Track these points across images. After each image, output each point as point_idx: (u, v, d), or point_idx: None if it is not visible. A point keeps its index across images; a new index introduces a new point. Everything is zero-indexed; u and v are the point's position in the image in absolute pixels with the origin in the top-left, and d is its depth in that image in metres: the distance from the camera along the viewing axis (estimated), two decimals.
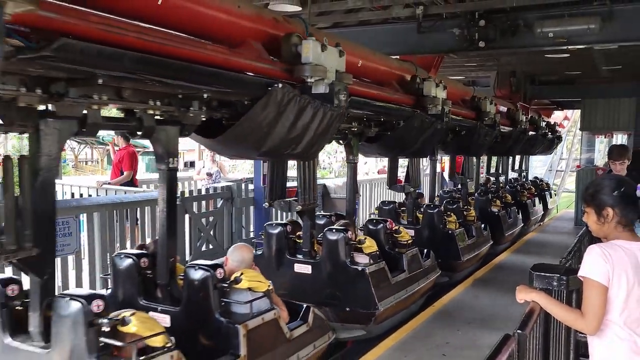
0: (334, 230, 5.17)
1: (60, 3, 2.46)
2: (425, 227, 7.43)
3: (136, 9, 2.98)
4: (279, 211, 9.15)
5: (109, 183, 8.28)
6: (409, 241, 6.02)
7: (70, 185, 8.59)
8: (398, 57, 7.08)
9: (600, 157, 16.66)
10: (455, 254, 7.25)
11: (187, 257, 7.53)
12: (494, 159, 12.22)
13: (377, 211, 7.71)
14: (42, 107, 2.70)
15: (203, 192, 8.16)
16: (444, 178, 13.55)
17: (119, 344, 2.67)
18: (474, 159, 9.72)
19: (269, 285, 3.66)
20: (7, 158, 2.60)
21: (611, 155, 5.90)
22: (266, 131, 3.85)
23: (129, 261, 3.70)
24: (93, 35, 2.57)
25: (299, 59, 3.96)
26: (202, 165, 11.51)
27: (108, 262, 6.33)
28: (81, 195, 8.18)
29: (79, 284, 6.06)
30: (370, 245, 5.27)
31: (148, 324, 2.81)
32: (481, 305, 6.29)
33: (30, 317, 2.90)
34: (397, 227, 6.13)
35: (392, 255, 5.76)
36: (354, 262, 5.13)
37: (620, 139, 14.59)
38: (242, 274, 3.57)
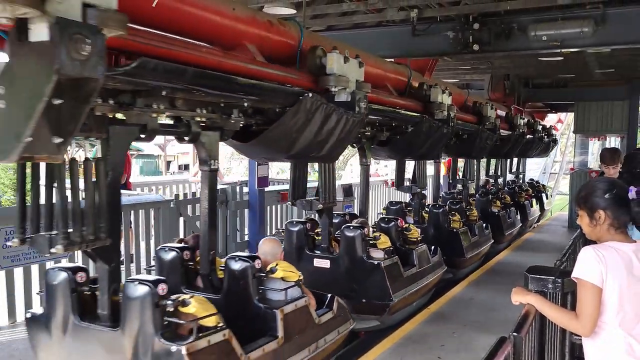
0: (351, 228, 5.53)
1: (139, 27, 2.86)
2: (431, 225, 7.76)
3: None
4: (273, 214, 9.21)
5: None
6: (418, 238, 6.34)
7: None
8: (392, 60, 7.10)
9: (593, 160, 16.74)
10: (460, 251, 7.60)
11: None
12: (492, 161, 12.50)
13: (384, 211, 7.95)
14: (110, 116, 3.11)
15: (198, 195, 8.13)
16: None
17: (181, 322, 3.04)
18: (474, 162, 10.12)
19: (299, 276, 4.02)
20: (87, 160, 3.01)
21: (604, 160, 5.93)
22: (295, 136, 4.26)
23: (173, 254, 4.07)
24: (161, 53, 2.96)
25: (323, 70, 4.37)
26: (198, 168, 11.47)
27: None
28: None
29: None
30: (384, 241, 5.63)
31: (204, 306, 3.15)
32: (476, 307, 6.30)
33: (99, 301, 3.28)
34: (407, 225, 6.49)
35: (403, 251, 6.08)
36: (369, 257, 5.47)
37: (613, 141, 14.67)
38: (277, 264, 3.96)
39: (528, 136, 12.33)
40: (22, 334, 5.23)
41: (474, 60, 10.98)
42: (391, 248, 5.69)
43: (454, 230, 7.75)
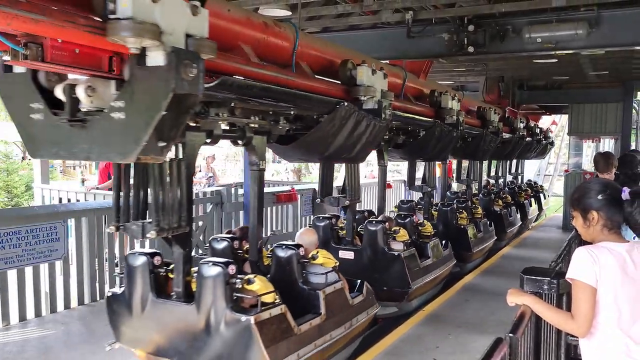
0: (373, 222, 6.09)
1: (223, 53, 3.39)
2: (440, 222, 8.22)
3: None
4: (269, 216, 9.18)
5: (97, 188, 8.20)
6: (432, 233, 6.96)
7: (58, 190, 8.50)
8: (387, 61, 7.10)
9: (588, 162, 16.81)
10: (467, 246, 8.13)
11: None
12: (492, 162, 12.93)
13: (396, 209, 8.39)
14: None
15: (193, 197, 8.11)
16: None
17: (247, 297, 3.60)
18: (477, 163, 10.62)
19: (335, 262, 4.57)
20: (172, 160, 3.43)
21: (597, 166, 5.96)
22: (330, 140, 4.85)
23: (224, 243, 4.63)
24: (233, 70, 3.47)
25: (354, 81, 4.90)
26: (198, 169, 11.71)
27: (96, 268, 6.28)
28: (69, 200, 8.10)
29: (66, 289, 5.99)
30: (403, 234, 6.18)
31: (265, 284, 3.71)
32: (471, 308, 6.30)
33: (174, 280, 3.79)
34: (421, 221, 7.13)
35: (418, 245, 6.60)
36: (390, 248, 6.00)
37: (607, 143, 14.74)
38: (317, 252, 4.49)
39: (527, 139, 12.77)
40: (15, 336, 5.21)
41: (468, 62, 11.01)
42: (409, 241, 6.25)
43: (462, 226, 8.26)
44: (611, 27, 6.58)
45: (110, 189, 8.10)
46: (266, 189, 9.43)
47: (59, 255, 5.75)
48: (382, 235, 5.97)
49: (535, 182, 16.38)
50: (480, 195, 10.63)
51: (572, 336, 3.02)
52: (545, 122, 20.07)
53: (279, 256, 4.36)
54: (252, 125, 4.22)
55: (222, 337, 3.61)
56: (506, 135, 10.77)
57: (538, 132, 14.13)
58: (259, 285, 3.67)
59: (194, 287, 3.73)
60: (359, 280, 5.05)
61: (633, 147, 13.57)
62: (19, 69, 2.99)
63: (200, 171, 11.65)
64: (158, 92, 2.72)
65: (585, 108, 12.99)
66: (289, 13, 6.94)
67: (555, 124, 23.69)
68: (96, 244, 6.26)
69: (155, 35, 2.60)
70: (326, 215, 6.40)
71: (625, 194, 2.36)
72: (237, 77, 3.52)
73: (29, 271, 5.63)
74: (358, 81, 4.89)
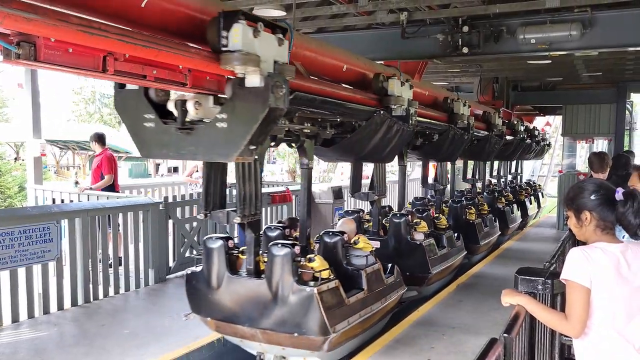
0: (398, 215, 6.79)
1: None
2: (450, 217, 8.74)
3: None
4: (263, 216, 9.16)
5: (90, 188, 8.17)
6: (446, 226, 7.77)
7: (51, 190, 8.46)
8: (382, 62, 7.10)
9: (581, 162, 16.88)
10: (475, 239, 8.85)
11: (171, 263, 7.47)
12: (492, 163, 13.20)
13: (409, 205, 8.81)
14: None
15: (188, 198, 8.08)
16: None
17: (309, 272, 4.32)
18: (481, 163, 11.22)
19: (372, 247, 5.28)
20: (255, 161, 4.04)
21: (592, 167, 5.98)
22: (366, 143, 5.56)
23: (277, 231, 5.26)
24: (296, 86, 4.06)
25: (385, 92, 5.56)
26: (195, 169, 11.41)
27: (90, 269, 6.26)
28: (62, 200, 8.07)
29: (60, 290, 5.96)
30: (424, 226, 6.93)
31: (322, 263, 4.43)
32: (465, 309, 6.31)
33: (246, 259, 4.49)
34: (437, 215, 7.90)
35: (435, 236, 7.22)
36: (413, 238, 6.70)
37: (601, 144, 14.81)
38: (358, 238, 5.26)
39: (527, 140, 13.26)
40: (8, 338, 5.18)
41: (463, 63, 11.05)
42: (429, 231, 7.02)
43: (471, 221, 8.94)
44: (604, 29, 6.61)
45: (103, 190, 8.09)
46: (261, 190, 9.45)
47: (52, 256, 5.72)
48: (406, 226, 6.65)
49: (533, 182, 17.14)
50: (484, 193, 11.22)
51: (566, 336, 3.02)
52: (539, 123, 20.13)
53: (326, 241, 5.08)
54: (305, 130, 4.96)
55: (289, 305, 4.30)
56: (509, 138, 11.40)
57: (536, 134, 14.70)
58: (318, 263, 4.42)
59: (261, 265, 4.46)
60: (389, 264, 5.73)
61: (626, 147, 13.64)
62: (131, 85, 3.71)
63: (197, 171, 11.42)
64: (256, 107, 3.49)
65: (578, 109, 13.05)
66: (284, 13, 6.94)
67: (549, 125, 23.77)
68: (90, 245, 6.23)
69: (256, 63, 3.38)
70: (354, 209, 7.13)
71: (619, 194, 2.36)
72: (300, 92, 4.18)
73: (21, 272, 5.59)
74: (389, 92, 5.56)
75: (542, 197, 16.08)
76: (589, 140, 15.46)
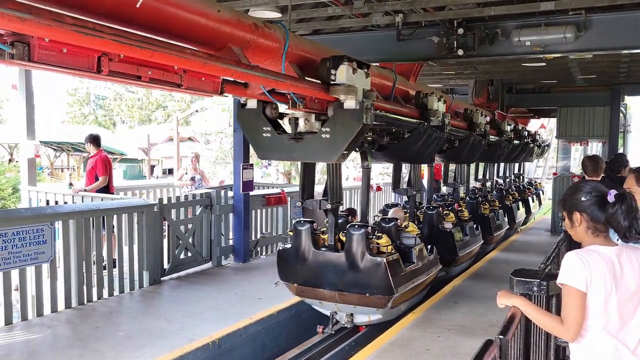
0: (431, 207, 8.00)
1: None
2: (468, 211, 9.53)
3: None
4: (258, 218, 9.15)
5: (85, 190, 8.13)
6: (468, 217, 8.85)
7: (45, 192, 8.42)
8: (378, 64, 7.10)
9: (576, 165, 16.91)
10: (489, 231, 10.04)
11: (166, 265, 7.44)
12: (494, 164, 14.02)
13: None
14: None
15: (183, 200, 8.05)
16: (423, 185, 13.66)
17: (377, 245, 5.59)
18: (491, 165, 12.31)
19: (418, 231, 6.68)
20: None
21: (586, 170, 6.00)
22: (411, 148, 6.75)
23: (342, 219, 6.13)
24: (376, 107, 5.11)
25: (425, 106, 6.70)
26: (184, 172, 11.21)
27: (84, 270, 6.22)
28: (56, 202, 8.02)
29: (53, 292, 5.93)
30: (452, 217, 8.15)
31: (387, 240, 5.69)
32: (460, 311, 6.31)
33: (328, 237, 5.74)
34: (460, 208, 8.98)
35: (460, 225, 8.43)
36: (443, 227, 7.83)
37: (595, 146, 14.86)
38: (408, 223, 6.63)
39: (531, 144, 14.17)
40: (1, 340, 5.14)
41: (458, 66, 11.06)
42: (456, 221, 8.20)
43: (485, 215, 10.11)
44: (599, 31, 6.63)
45: (97, 191, 8.05)
46: (256, 192, 9.43)
47: (46, 257, 5.69)
48: (438, 216, 7.94)
49: (535, 181, 18.74)
50: (494, 192, 12.26)
51: (562, 338, 3.02)
52: (533, 125, 20.19)
53: (383, 226, 6.16)
54: (368, 138, 6.05)
55: (363, 272, 5.50)
56: (516, 141, 12.52)
57: (538, 137, 15.78)
58: (385, 240, 5.68)
59: (339, 242, 5.70)
60: (429, 245, 6.78)
61: (620, 150, 13.69)
62: (251, 104, 5.05)
63: (186, 173, 11.16)
64: (352, 124, 4.79)
65: (573, 112, 13.10)
66: (279, 15, 6.93)
67: (543, 128, 23.83)
68: (84, 247, 6.20)
69: (354, 92, 4.70)
70: (394, 203, 8.77)
71: (611, 196, 2.36)
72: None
73: (15, 274, 5.56)
74: (429, 107, 6.70)
75: (543, 194, 17.30)
76: (583, 143, 15.51)
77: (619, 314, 2.34)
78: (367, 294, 5.53)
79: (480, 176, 11.67)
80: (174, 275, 7.56)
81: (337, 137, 4.83)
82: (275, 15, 6.92)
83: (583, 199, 2.40)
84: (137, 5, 2.94)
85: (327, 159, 5.10)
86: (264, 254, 9.29)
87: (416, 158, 7.27)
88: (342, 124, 4.80)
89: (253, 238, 9.05)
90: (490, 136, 9.69)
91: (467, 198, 10.27)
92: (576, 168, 16.14)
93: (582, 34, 6.60)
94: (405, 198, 9.43)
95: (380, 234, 5.73)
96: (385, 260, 5.43)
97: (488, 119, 10.07)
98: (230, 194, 8.63)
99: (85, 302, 6.24)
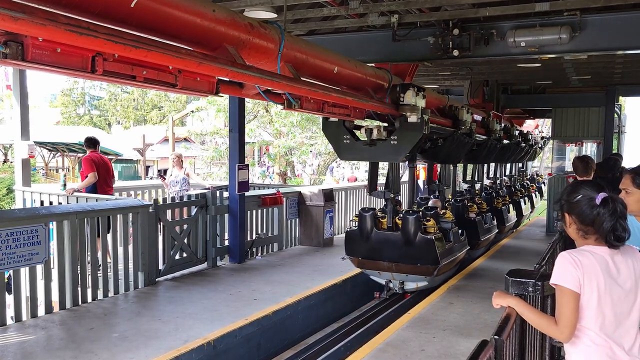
0: (457, 200, 9.43)
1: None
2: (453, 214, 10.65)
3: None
4: (254, 219, 9.12)
5: (76, 190, 8.10)
6: (487, 208, 10.40)
7: (40, 192, 8.38)
8: (373, 64, 7.11)
9: (571, 165, 16.96)
10: (502, 221, 11.20)
11: (161, 266, 7.42)
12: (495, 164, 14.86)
13: (450, 197, 10.44)
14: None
15: (178, 200, 8.03)
16: (419, 185, 13.74)
17: (427, 226, 7.03)
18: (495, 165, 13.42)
19: (452, 217, 7.87)
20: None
21: (577, 171, 6.02)
22: (446, 151, 8.34)
23: (391, 205, 7.36)
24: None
25: (457, 117, 8.32)
26: (170, 173, 10.52)
27: (79, 271, 6.20)
28: (51, 203, 7.99)
29: (48, 294, 5.90)
30: (475, 208, 9.57)
31: (433, 222, 7.10)
32: (456, 311, 6.31)
33: (387, 220, 7.22)
34: (480, 201, 10.43)
35: (481, 215, 9.77)
36: (468, 215, 9.27)
37: (590, 147, 14.90)
38: (445, 211, 7.86)
39: (534, 146, 15.65)
40: None
41: (453, 66, 11.07)
42: (478, 211, 9.54)
43: (499, 208, 11.29)
44: (594, 32, 6.64)
45: (93, 192, 8.02)
46: (252, 192, 9.41)
47: (40, 258, 5.66)
48: (463, 207, 9.25)
49: (538, 175, 20.28)
50: (504, 189, 13.21)
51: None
52: (530, 126, 20.25)
53: (427, 213, 7.36)
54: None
55: (416, 247, 6.98)
56: (523, 144, 13.58)
57: (538, 139, 17.58)
58: (432, 222, 7.09)
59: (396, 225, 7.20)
60: (459, 230, 8.02)
61: (615, 151, 13.73)
62: (333, 119, 6.80)
63: (171, 175, 10.38)
64: (414, 134, 6.59)
65: (568, 112, 13.12)
66: (275, 15, 6.92)
67: (537, 128, 23.87)
68: (78, 248, 6.17)
69: (417, 110, 6.49)
70: (427, 197, 9.56)
71: (599, 198, 2.36)
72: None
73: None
74: (460, 118, 8.30)
75: (545, 185, 18.36)
76: (578, 144, 15.55)
77: (613, 314, 2.34)
78: (419, 264, 7.01)
79: (468, 177, 11.84)
80: (169, 276, 7.53)
81: (403, 143, 6.67)
82: (271, 15, 6.91)
83: (573, 200, 2.41)
84: (132, 5, 2.93)
85: (393, 159, 7.10)
86: (259, 254, 9.28)
87: (448, 159, 9.13)
88: (407, 133, 6.60)
89: (248, 239, 9.03)
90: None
91: (483, 194, 11.26)
92: (571, 168, 16.18)
93: (577, 35, 6.61)
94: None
95: (429, 218, 7.13)
96: (434, 238, 6.93)
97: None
98: (226, 194, 8.61)
99: (80, 303, 6.22)
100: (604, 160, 7.42)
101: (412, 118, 6.46)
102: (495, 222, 10.47)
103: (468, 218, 9.09)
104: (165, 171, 10.56)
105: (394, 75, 6.90)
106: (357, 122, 6.99)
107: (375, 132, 6.73)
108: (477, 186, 12.05)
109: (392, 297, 7.94)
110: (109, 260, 6.86)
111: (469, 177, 11.93)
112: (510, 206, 12.14)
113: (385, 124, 6.78)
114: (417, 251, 6.95)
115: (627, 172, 3.23)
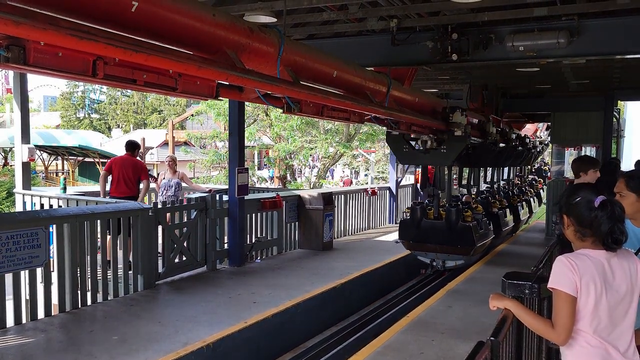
0: (480, 198, 10.93)
1: None
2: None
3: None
4: (254, 222, 9.14)
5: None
6: (504, 205, 11.96)
7: (40, 196, 8.40)
8: (372, 69, 7.14)
9: (570, 169, 16.98)
10: (518, 217, 12.93)
11: (160, 269, 7.43)
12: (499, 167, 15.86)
13: (474, 196, 11.54)
14: None
15: (177, 204, 8.04)
16: (417, 189, 13.80)
17: (465, 214, 9.17)
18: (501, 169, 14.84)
19: (482, 210, 9.71)
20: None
21: (574, 173, 6.03)
22: (476, 157, 10.03)
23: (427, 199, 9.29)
24: None
25: (486, 130, 10.13)
26: (162, 177, 10.04)
27: (78, 274, 6.21)
28: (51, 206, 8.01)
29: (47, 296, 5.92)
30: (497, 205, 11.23)
31: (470, 213, 9.27)
32: (455, 314, 6.33)
33: (433, 211, 9.23)
34: (500, 199, 12.05)
35: (503, 210, 11.58)
36: (491, 210, 10.72)
37: (588, 151, 14.92)
38: (477, 205, 9.85)
39: (538, 149, 17.46)
40: None
41: (452, 70, 11.09)
42: (499, 207, 11.31)
43: (515, 205, 12.78)
44: (592, 37, 6.68)
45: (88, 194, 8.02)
46: (251, 196, 9.43)
47: (40, 261, 5.68)
48: (488, 202, 10.86)
49: (544, 172, 22.52)
50: (515, 188, 14.95)
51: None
52: (529, 130, 20.26)
53: (464, 206, 9.19)
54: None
55: (456, 232, 8.82)
56: (520, 148, 14.42)
57: (539, 143, 18.60)
58: (469, 213, 9.02)
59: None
60: (486, 219, 9.72)
61: (614, 155, 13.76)
62: (394, 132, 8.55)
63: (164, 178, 9.90)
64: (459, 145, 8.63)
65: (567, 116, 13.15)
66: (274, 19, 6.95)
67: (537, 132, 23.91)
68: (78, 251, 6.19)
69: (461, 126, 8.53)
70: (457, 194, 11.26)
71: (597, 201, 2.38)
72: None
73: (9, 278, 5.55)
74: (487, 130, 10.15)
75: (545, 183, 19.84)
76: (577, 148, 15.57)
77: (609, 318, 2.35)
78: (458, 246, 8.88)
79: (464, 181, 11.91)
80: (169, 279, 7.55)
81: (450, 152, 8.62)
82: (271, 19, 6.95)
83: (572, 202, 2.43)
84: (132, 9, 2.96)
85: (442, 164, 9.43)
86: (259, 258, 9.29)
87: (478, 164, 11.19)
88: (453, 145, 8.56)
89: (248, 242, 9.05)
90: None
91: (502, 195, 12.65)
92: (570, 172, 16.20)
93: (575, 39, 6.64)
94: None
95: (467, 209, 9.10)
96: (472, 225, 8.84)
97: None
98: (225, 197, 8.63)
99: (80, 306, 6.23)
100: (605, 164, 7.42)
101: (458, 132, 8.41)
102: (512, 216, 12.31)
103: (491, 212, 10.60)
104: (159, 174, 10.38)
105: (393, 80, 6.93)
106: (413, 135, 8.72)
107: (429, 142, 8.64)
108: (475, 189, 12.22)
109: (433, 274, 9.84)
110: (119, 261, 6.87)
111: (464, 181, 11.93)
112: (524, 203, 14.11)
113: (434, 136, 8.68)
114: (457, 236, 8.82)
115: (621, 176, 3.25)
